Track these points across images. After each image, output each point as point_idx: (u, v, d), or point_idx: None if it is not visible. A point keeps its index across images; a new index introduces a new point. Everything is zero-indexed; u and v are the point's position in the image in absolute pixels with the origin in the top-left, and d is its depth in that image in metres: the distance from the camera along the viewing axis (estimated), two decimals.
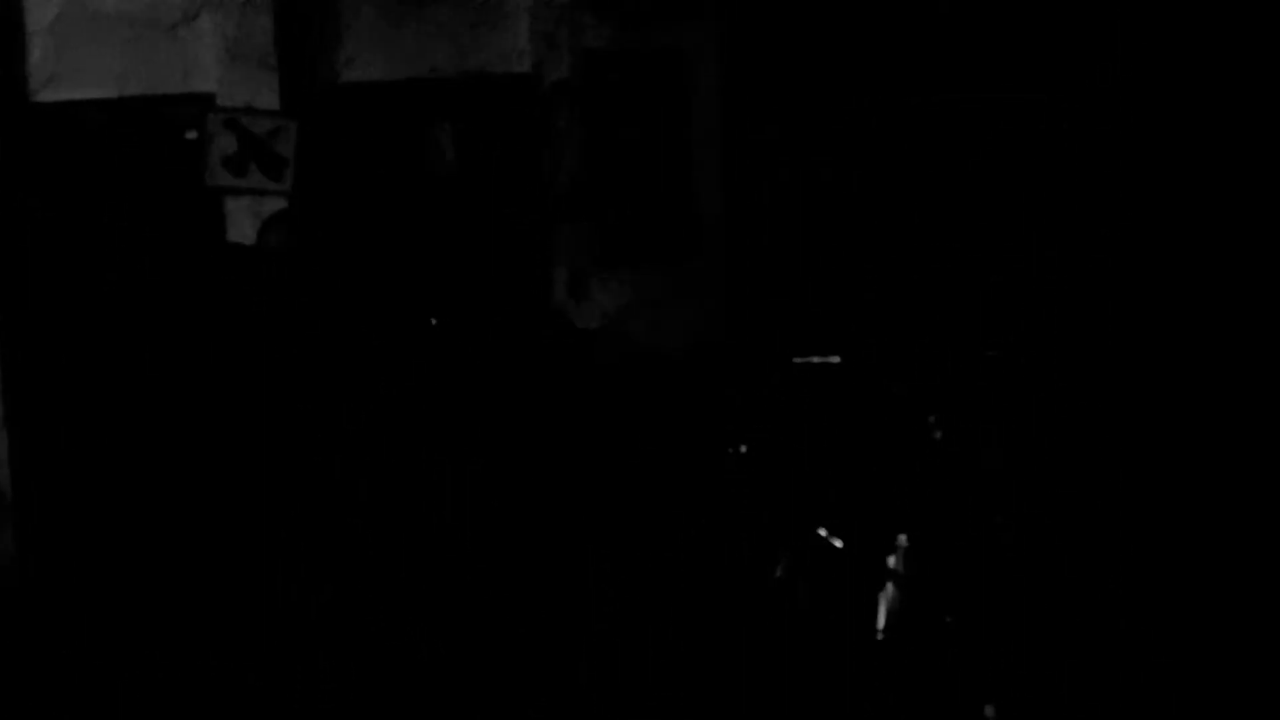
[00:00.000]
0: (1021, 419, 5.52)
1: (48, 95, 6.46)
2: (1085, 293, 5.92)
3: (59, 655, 5.90)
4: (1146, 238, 5.91)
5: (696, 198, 6.12)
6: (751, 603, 5.65)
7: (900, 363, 5.73)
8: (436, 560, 5.76)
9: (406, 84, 6.24)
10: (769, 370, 5.87)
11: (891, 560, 5.27)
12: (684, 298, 6.13)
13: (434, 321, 5.86)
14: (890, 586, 5.22)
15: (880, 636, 5.28)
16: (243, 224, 6.14)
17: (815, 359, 5.82)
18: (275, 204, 6.19)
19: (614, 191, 6.14)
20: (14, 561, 6.30)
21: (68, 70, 6.45)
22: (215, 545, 5.99)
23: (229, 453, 5.87)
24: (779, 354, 5.91)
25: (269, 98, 6.25)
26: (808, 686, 5.28)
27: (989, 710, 4.94)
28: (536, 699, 5.24)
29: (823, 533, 5.41)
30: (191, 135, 6.29)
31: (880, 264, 6.09)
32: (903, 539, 5.27)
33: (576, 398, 6.00)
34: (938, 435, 5.31)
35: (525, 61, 6.17)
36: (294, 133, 6.22)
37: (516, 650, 5.47)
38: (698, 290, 6.14)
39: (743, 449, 5.83)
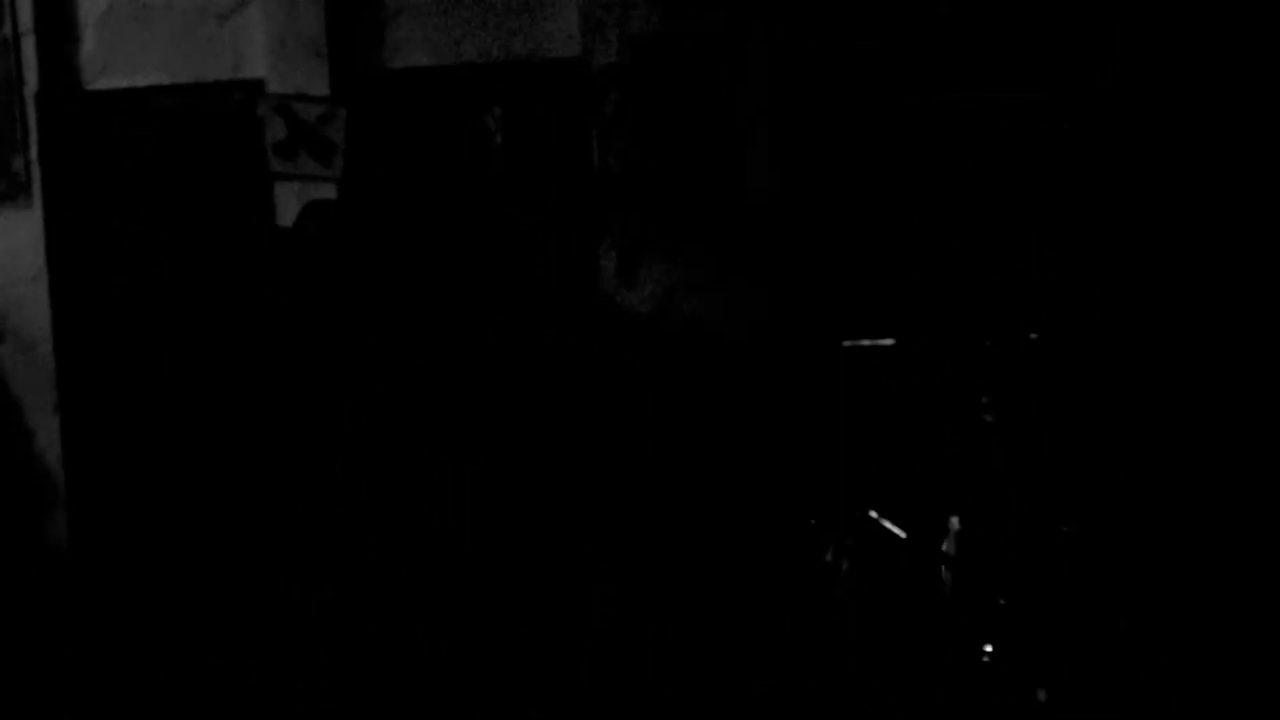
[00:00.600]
0: (1065, 402, 5.48)
1: (101, 84, 6.52)
2: (1121, 277, 5.87)
3: (106, 641, 5.94)
4: (1173, 225, 5.87)
5: (744, 180, 6.09)
6: (803, 585, 5.63)
7: (949, 345, 5.69)
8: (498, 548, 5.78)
9: (455, 70, 6.25)
10: (819, 352, 5.85)
11: (945, 544, 5.24)
12: (733, 280, 6.10)
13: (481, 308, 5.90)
14: (944, 570, 5.18)
15: (933, 620, 5.25)
16: (291, 210, 6.16)
17: (865, 342, 5.80)
18: (320, 190, 6.22)
19: (662, 175, 6.11)
20: (67, 547, 6.33)
21: (120, 59, 6.51)
22: (248, 539, 6.02)
23: (264, 443, 5.90)
24: (829, 337, 5.89)
25: (319, 85, 6.28)
26: (857, 669, 5.26)
27: (1041, 694, 4.90)
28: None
29: (874, 515, 5.39)
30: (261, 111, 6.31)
31: (927, 248, 6.05)
32: (955, 522, 5.24)
33: (627, 381, 6.00)
34: (989, 418, 5.27)
35: (574, 47, 6.17)
36: (344, 119, 6.24)
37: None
38: (747, 273, 6.10)
39: (795, 430, 5.83)
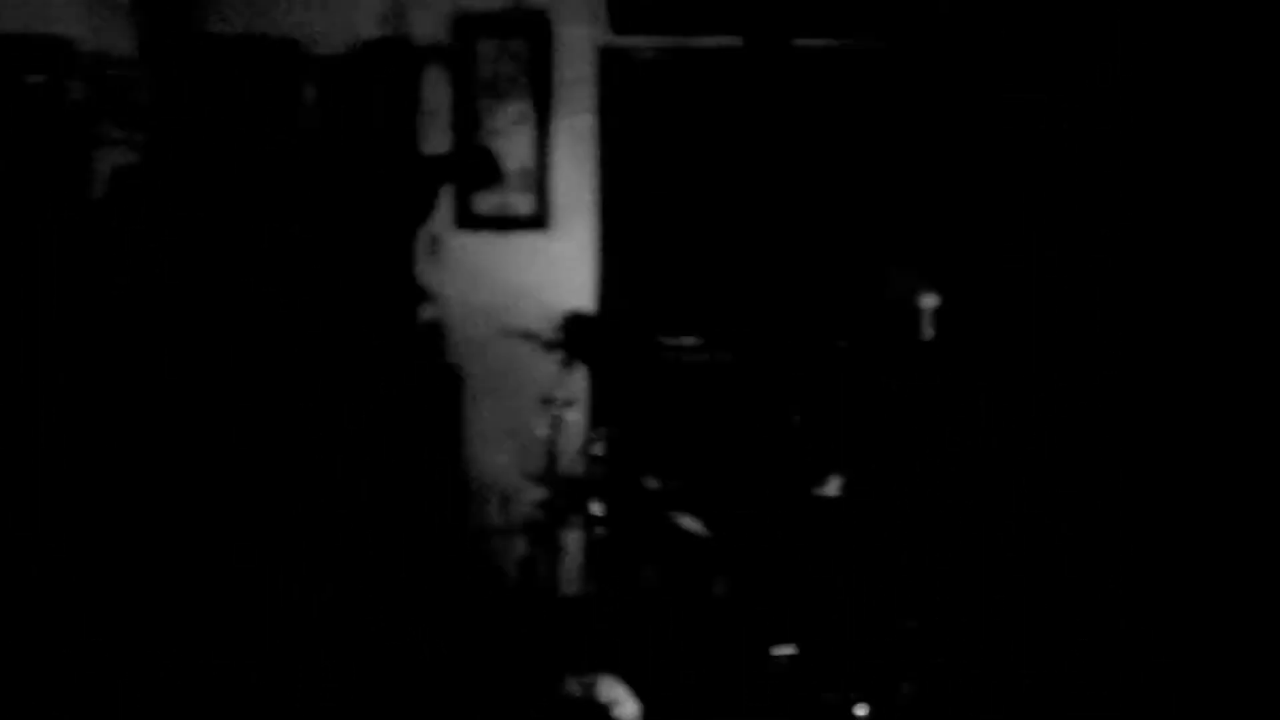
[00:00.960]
0: (871, 407, 5.59)
1: None
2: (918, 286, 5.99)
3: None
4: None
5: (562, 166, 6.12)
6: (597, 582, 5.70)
7: (760, 349, 5.77)
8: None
9: (273, 40, 6.11)
10: (634, 348, 5.89)
11: (750, 545, 5.33)
12: (547, 269, 6.12)
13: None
14: (746, 570, 5.28)
15: (726, 621, 5.35)
16: (101, 175, 5.98)
17: (683, 340, 5.85)
18: (129, 156, 6.04)
19: (479, 156, 6.08)
20: None
21: None
22: None
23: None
24: (646, 333, 5.94)
25: (128, 45, 6.09)
26: (658, 660, 5.34)
27: (861, 710, 5.01)
28: None
29: (675, 515, 5.47)
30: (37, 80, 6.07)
31: (743, 251, 6.12)
32: (758, 522, 5.33)
33: (432, 364, 5.97)
34: (796, 420, 5.36)
35: (398, 23, 6.07)
36: (152, 82, 6.05)
37: None
38: (562, 262, 6.13)
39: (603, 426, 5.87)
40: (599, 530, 5.68)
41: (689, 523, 5.32)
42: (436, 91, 6.04)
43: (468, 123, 6.07)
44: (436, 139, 6.05)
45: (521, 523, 5.77)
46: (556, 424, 5.80)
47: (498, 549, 5.99)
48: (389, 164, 6.04)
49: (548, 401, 5.79)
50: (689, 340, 5.77)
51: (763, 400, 5.54)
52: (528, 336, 5.78)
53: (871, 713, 4.84)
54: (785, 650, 5.05)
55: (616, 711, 5.12)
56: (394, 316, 5.93)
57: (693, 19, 6.07)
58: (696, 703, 5.12)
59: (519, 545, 5.86)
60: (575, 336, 5.93)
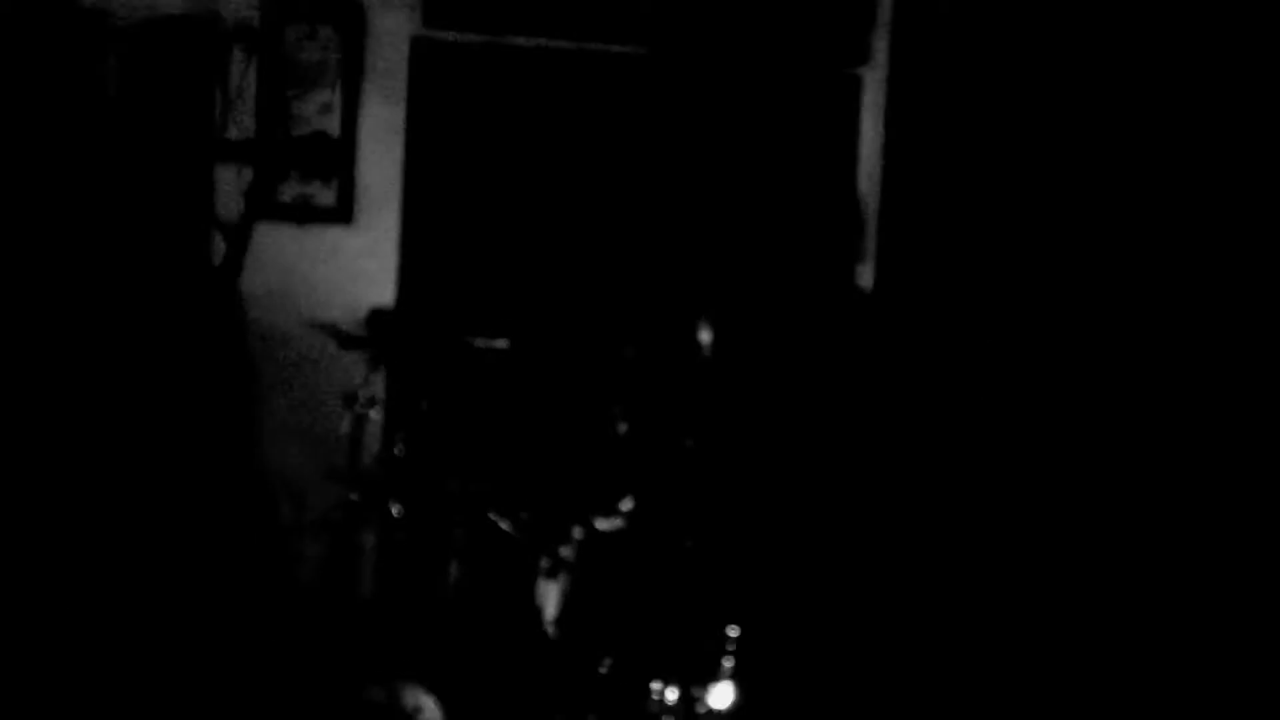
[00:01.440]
0: (704, 412, 5.54)
1: None
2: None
3: None
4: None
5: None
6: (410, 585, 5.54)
7: (584, 349, 5.68)
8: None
9: (71, 8, 5.81)
10: (442, 348, 5.73)
11: (565, 550, 5.23)
12: (351, 263, 5.94)
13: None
14: (563, 576, 5.18)
15: (549, 626, 5.25)
16: None
17: (493, 342, 5.71)
18: None
19: (283, 144, 5.88)
20: None
21: None
22: None
23: None
24: (453, 332, 5.78)
25: None
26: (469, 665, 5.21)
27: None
28: None
29: (493, 517, 5.34)
30: None
31: (555, 252, 6.04)
32: (578, 531, 5.23)
33: (231, 366, 5.74)
34: (622, 427, 5.29)
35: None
36: None
37: None
38: (367, 256, 5.95)
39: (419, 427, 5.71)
40: (399, 533, 5.52)
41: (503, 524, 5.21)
42: (243, 74, 5.80)
43: (273, 109, 5.85)
44: (240, 124, 5.82)
45: (321, 524, 5.57)
46: (359, 423, 5.62)
47: (296, 551, 5.76)
48: (186, 147, 5.80)
49: (350, 400, 5.61)
50: (498, 342, 5.63)
51: (571, 405, 5.45)
52: (330, 332, 5.60)
53: (680, 697, 4.80)
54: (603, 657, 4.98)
55: (420, 718, 4.98)
56: (182, 305, 5.67)
57: (507, 17, 5.97)
58: (504, 707, 5.01)
59: (317, 547, 5.66)
60: (379, 334, 5.76)
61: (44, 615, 4.98)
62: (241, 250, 5.65)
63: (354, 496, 5.47)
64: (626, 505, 5.18)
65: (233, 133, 5.78)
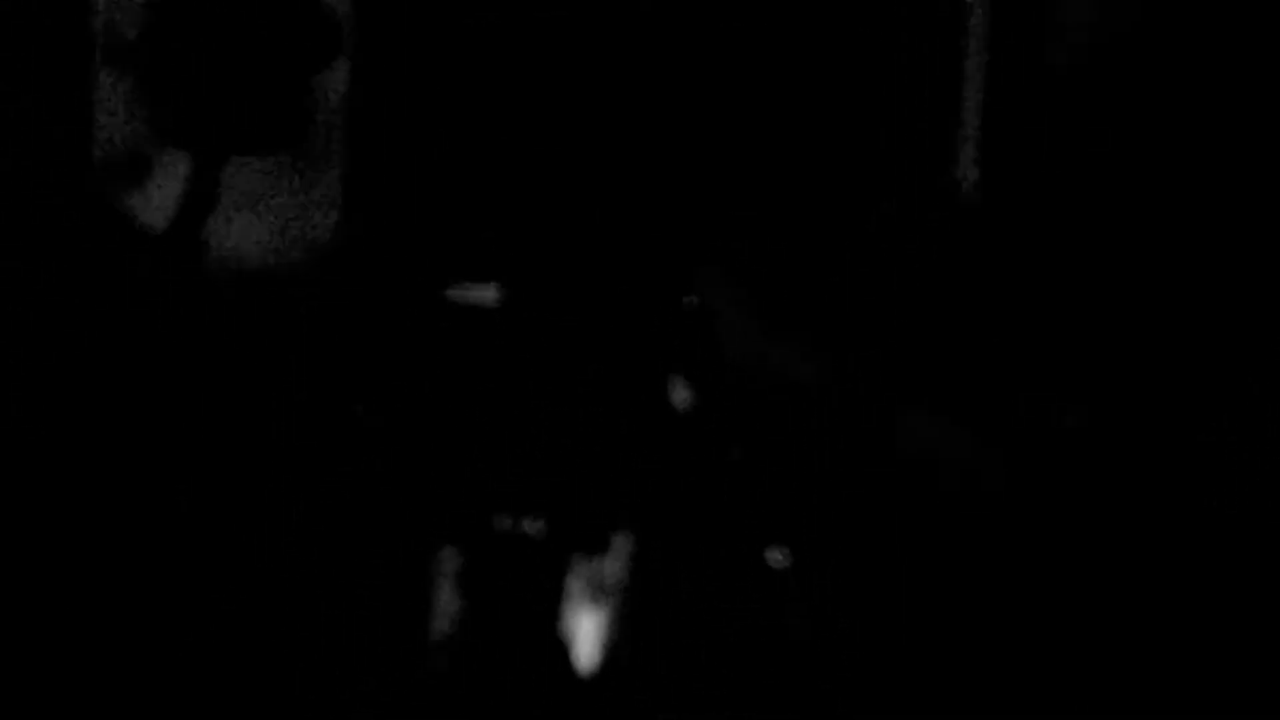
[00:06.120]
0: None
1: None
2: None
3: None
4: None
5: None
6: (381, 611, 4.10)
7: (587, 302, 4.28)
8: None
9: None
10: (409, 300, 4.30)
11: (608, 562, 3.85)
12: (290, 199, 4.43)
13: None
14: (612, 594, 3.80)
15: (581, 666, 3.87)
16: None
17: (477, 291, 4.30)
18: None
19: (195, 44, 4.37)
20: None
21: None
22: None
23: None
24: (424, 281, 4.35)
25: None
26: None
27: None
28: None
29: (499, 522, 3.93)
30: None
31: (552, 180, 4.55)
32: (624, 536, 3.86)
33: (125, 318, 4.22)
34: (682, 398, 3.92)
35: None
36: None
37: None
38: (310, 191, 4.44)
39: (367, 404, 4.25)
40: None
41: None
42: None
43: None
44: None
45: None
46: None
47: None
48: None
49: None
50: (485, 291, 4.21)
51: (603, 374, 4.06)
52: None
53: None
54: None
55: None
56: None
57: None
58: None
59: None
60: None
61: None
62: (137, 173, 4.16)
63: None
64: (688, 504, 3.84)
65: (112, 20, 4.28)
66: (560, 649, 3.84)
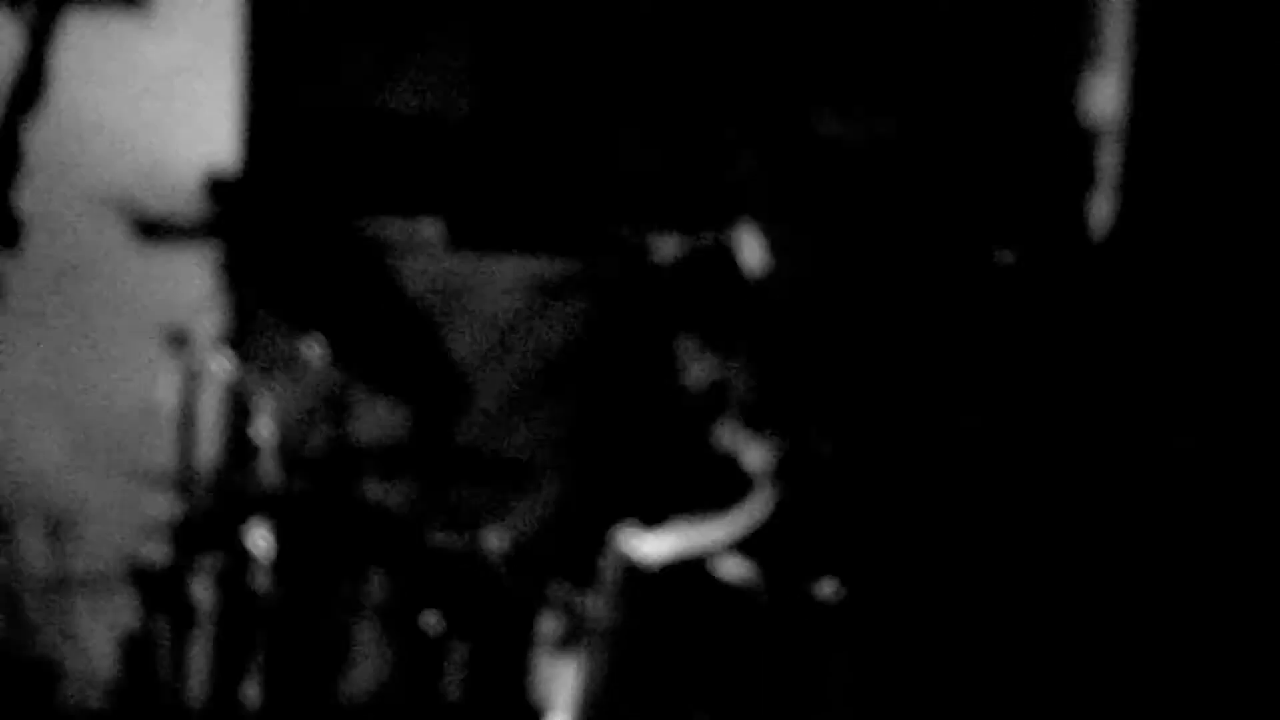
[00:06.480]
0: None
1: None
2: None
3: None
4: None
5: None
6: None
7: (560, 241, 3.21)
8: None
9: None
10: (315, 230, 3.21)
11: (591, 602, 2.80)
12: (162, 89, 3.30)
13: None
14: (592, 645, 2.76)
15: None
16: None
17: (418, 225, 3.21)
18: None
19: None
20: None
21: None
22: None
23: None
24: (338, 208, 3.25)
25: None
26: None
27: None
28: None
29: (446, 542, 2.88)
30: None
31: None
32: (614, 567, 2.82)
33: None
34: (698, 375, 2.86)
35: None
36: None
37: None
38: (188, 79, 3.31)
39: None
40: (268, 584, 2.98)
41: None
42: None
43: None
44: None
45: (119, 572, 2.98)
46: (195, 382, 3.06)
47: (56, 623, 3.14)
48: None
49: (179, 341, 3.04)
50: (424, 227, 3.14)
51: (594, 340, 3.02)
52: (130, 216, 3.01)
53: None
54: None
55: None
56: None
57: None
58: None
59: (110, 616, 3.06)
60: (226, 218, 3.19)
61: None
62: None
63: (187, 519, 2.92)
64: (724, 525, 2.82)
65: None
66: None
